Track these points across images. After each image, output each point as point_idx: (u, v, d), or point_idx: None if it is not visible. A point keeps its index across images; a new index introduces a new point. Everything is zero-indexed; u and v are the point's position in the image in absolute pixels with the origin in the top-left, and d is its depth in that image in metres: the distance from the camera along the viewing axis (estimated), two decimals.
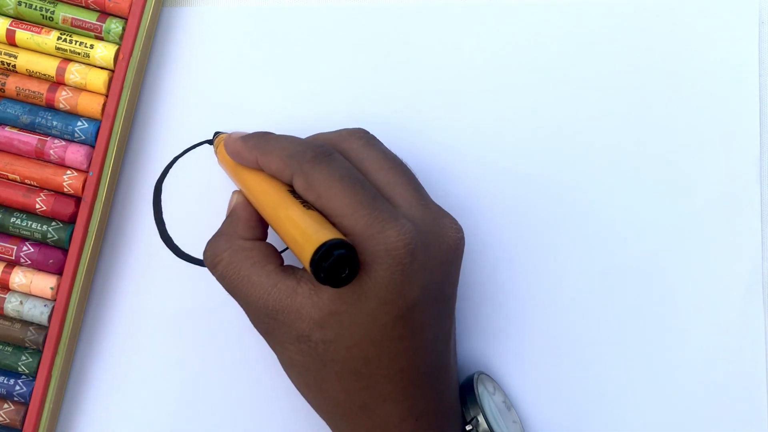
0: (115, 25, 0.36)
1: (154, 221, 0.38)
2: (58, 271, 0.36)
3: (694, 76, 0.38)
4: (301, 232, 0.28)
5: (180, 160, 0.38)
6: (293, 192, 0.30)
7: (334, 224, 0.28)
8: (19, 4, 0.36)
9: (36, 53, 0.37)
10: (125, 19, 0.37)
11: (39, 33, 0.36)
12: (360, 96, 0.38)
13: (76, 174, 0.36)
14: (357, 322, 0.28)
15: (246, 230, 0.32)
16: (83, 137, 0.36)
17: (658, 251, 0.37)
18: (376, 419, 0.30)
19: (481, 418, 0.32)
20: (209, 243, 0.32)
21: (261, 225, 0.32)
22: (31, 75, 0.37)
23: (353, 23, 0.39)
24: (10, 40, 0.37)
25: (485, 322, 0.37)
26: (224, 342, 0.37)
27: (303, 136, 0.38)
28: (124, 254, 0.38)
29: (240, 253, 0.31)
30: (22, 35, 0.36)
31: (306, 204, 0.29)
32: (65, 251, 0.36)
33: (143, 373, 0.37)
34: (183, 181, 0.38)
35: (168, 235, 0.38)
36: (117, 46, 0.37)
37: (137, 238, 0.38)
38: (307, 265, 0.26)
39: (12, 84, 0.36)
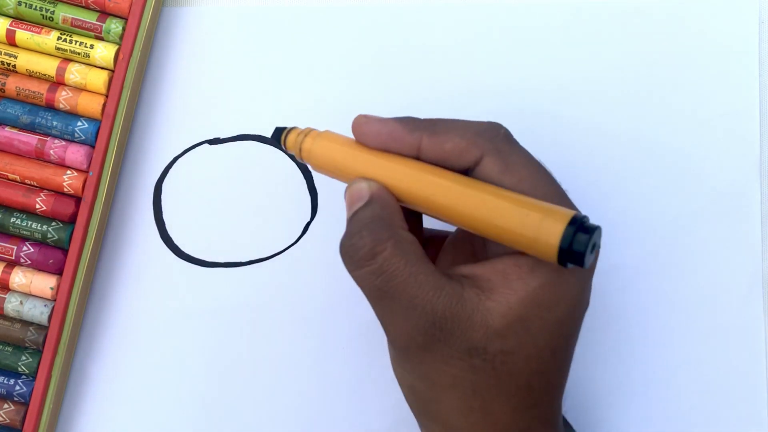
0: (115, 25, 0.36)
1: (154, 221, 0.38)
2: (58, 271, 0.36)
3: (694, 75, 0.38)
4: (525, 213, 0.23)
5: (180, 160, 0.38)
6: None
7: None
8: (19, 4, 0.36)
9: (36, 53, 0.37)
10: (125, 19, 0.37)
11: (39, 33, 0.36)
12: (360, 96, 0.38)
13: (76, 174, 0.36)
14: (547, 328, 0.24)
15: (402, 221, 0.26)
16: (83, 137, 0.36)
17: (658, 251, 0.37)
18: None
19: None
20: (360, 228, 0.25)
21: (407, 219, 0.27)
22: (31, 75, 0.37)
23: (353, 23, 0.39)
24: (10, 40, 0.37)
25: None
26: (224, 342, 0.37)
27: None
28: (124, 254, 0.38)
29: (404, 245, 0.25)
30: (22, 35, 0.36)
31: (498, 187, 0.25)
32: (65, 251, 0.36)
33: (143, 373, 0.37)
34: (183, 181, 0.38)
35: (168, 235, 0.38)
36: (117, 46, 0.37)
37: (137, 238, 0.38)
38: (553, 247, 0.22)
39: (12, 84, 0.36)
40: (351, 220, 0.26)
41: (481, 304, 0.24)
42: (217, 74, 0.39)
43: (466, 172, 0.26)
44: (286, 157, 0.38)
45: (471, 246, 0.29)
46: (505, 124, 0.37)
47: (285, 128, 0.30)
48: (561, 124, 0.38)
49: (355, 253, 0.25)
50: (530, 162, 0.26)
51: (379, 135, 0.27)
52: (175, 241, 0.38)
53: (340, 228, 0.37)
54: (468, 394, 0.25)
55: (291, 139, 0.29)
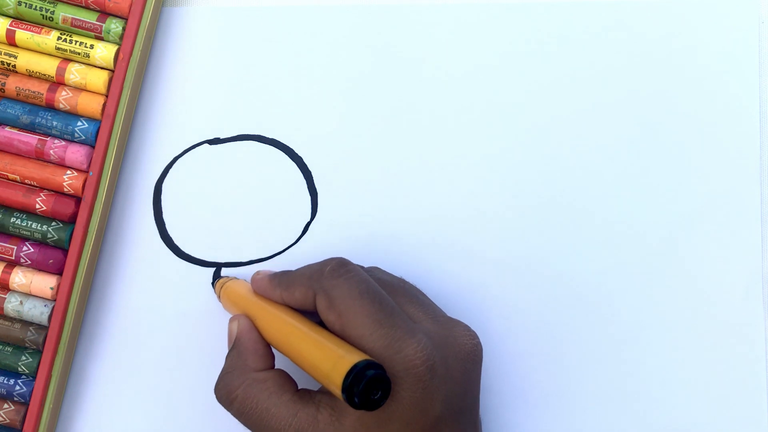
0: (115, 25, 0.36)
1: (154, 221, 0.38)
2: (58, 271, 0.36)
3: (694, 75, 0.38)
4: (326, 357, 0.27)
5: (180, 160, 0.38)
6: (310, 321, 0.30)
7: (354, 345, 0.28)
8: (19, 4, 0.36)
9: (36, 53, 0.37)
10: (125, 19, 0.37)
11: (39, 33, 0.36)
12: (359, 95, 0.38)
13: (76, 174, 0.36)
14: None
15: (256, 361, 0.31)
16: (83, 137, 0.36)
17: (658, 251, 0.37)
18: None
19: None
20: (220, 380, 0.31)
21: (269, 352, 0.31)
22: (31, 75, 0.37)
23: (353, 23, 0.39)
24: (10, 40, 0.37)
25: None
26: (224, 342, 0.37)
27: (303, 135, 0.38)
28: (124, 254, 0.38)
29: (254, 386, 0.30)
30: (22, 35, 0.36)
31: (325, 330, 0.29)
32: (65, 251, 0.36)
33: (143, 373, 0.37)
34: (183, 181, 0.38)
35: (168, 235, 0.38)
36: (117, 46, 0.37)
37: (137, 238, 0.38)
38: (337, 391, 0.26)
39: (12, 84, 0.36)
40: (223, 366, 0.32)
41: (331, 425, 0.28)
42: (217, 74, 0.39)
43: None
44: (287, 157, 0.38)
45: None
46: (504, 124, 0.38)
47: (218, 278, 0.37)
48: (561, 123, 0.38)
49: (219, 400, 0.31)
50: (350, 293, 0.29)
51: (258, 288, 0.33)
52: (175, 241, 0.38)
53: (340, 228, 0.37)
54: None
55: (216, 286, 0.37)
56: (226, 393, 0.30)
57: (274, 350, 0.32)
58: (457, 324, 0.31)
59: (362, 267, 0.32)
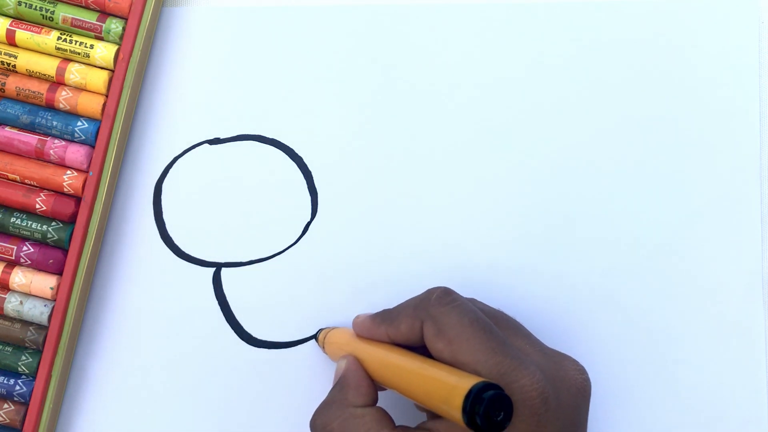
0: (115, 25, 0.36)
1: (154, 221, 0.38)
2: (58, 271, 0.36)
3: (695, 76, 0.38)
4: (442, 383, 0.26)
5: (180, 160, 0.38)
6: (417, 354, 0.30)
7: (467, 372, 0.27)
8: (19, 4, 0.36)
9: (36, 53, 0.37)
10: (125, 19, 0.37)
11: (39, 33, 0.36)
12: (359, 96, 0.38)
13: (76, 174, 0.36)
14: None
15: (357, 397, 0.30)
16: (83, 137, 0.36)
17: (658, 251, 0.37)
18: None
19: None
20: (318, 412, 0.31)
21: (372, 390, 0.31)
22: (31, 75, 0.37)
23: (353, 23, 0.39)
24: (10, 40, 0.37)
25: None
26: (224, 342, 0.37)
27: (303, 135, 0.38)
28: (124, 254, 0.38)
29: (352, 420, 0.29)
30: (22, 35, 0.36)
31: (434, 360, 0.29)
32: (65, 251, 0.36)
33: (143, 373, 0.37)
34: (183, 181, 0.38)
35: (168, 235, 0.38)
36: (117, 46, 0.37)
37: (137, 238, 0.38)
38: (457, 414, 0.25)
39: (12, 84, 0.36)
40: (324, 399, 0.32)
41: None
42: (217, 74, 0.39)
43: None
44: (287, 156, 0.38)
45: None
46: (504, 123, 0.38)
47: (320, 330, 0.37)
48: (560, 123, 0.38)
49: (314, 431, 0.31)
50: (461, 321, 0.28)
51: (362, 329, 0.33)
52: (175, 241, 0.38)
53: (339, 228, 0.37)
54: None
55: (319, 338, 0.36)
56: (322, 425, 0.30)
57: (380, 393, 0.32)
58: (566, 358, 0.30)
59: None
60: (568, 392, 0.29)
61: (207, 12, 0.39)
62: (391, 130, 0.38)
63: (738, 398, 0.36)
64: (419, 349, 0.30)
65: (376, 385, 0.31)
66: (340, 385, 0.31)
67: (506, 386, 0.27)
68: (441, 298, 0.30)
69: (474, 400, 0.24)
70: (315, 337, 0.37)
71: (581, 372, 0.30)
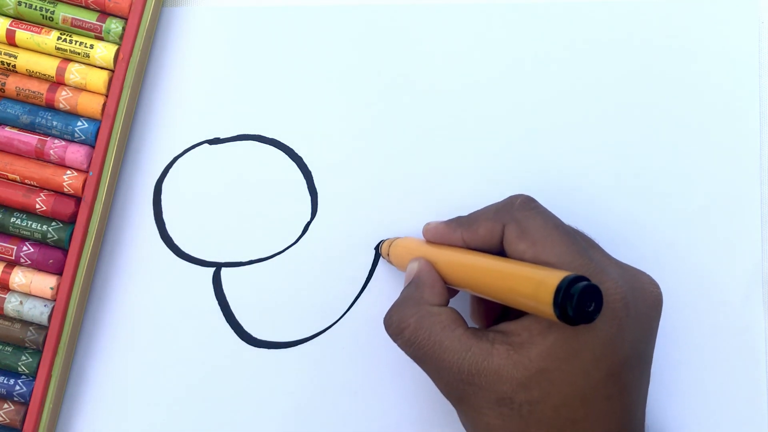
0: (115, 25, 0.36)
1: (154, 221, 0.38)
2: (58, 271, 0.36)
3: (695, 75, 0.38)
4: (528, 279, 0.26)
5: (180, 160, 0.38)
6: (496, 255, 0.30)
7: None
8: (19, 4, 0.36)
9: (36, 53, 0.37)
10: (125, 19, 0.37)
11: (39, 33, 0.36)
12: (360, 95, 0.38)
13: (76, 174, 0.36)
14: (568, 379, 0.27)
15: (432, 296, 0.30)
16: (83, 137, 0.36)
17: (658, 251, 0.37)
18: None
19: None
20: (394, 308, 0.31)
21: (446, 291, 0.31)
22: (31, 75, 0.37)
23: (353, 22, 0.39)
24: (10, 40, 0.37)
25: None
26: (224, 342, 0.37)
27: (303, 135, 0.38)
28: (124, 254, 0.38)
29: (428, 318, 0.29)
30: (22, 35, 0.36)
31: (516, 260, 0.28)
32: (65, 251, 0.36)
33: (143, 373, 0.37)
34: (183, 181, 0.38)
35: (168, 235, 0.38)
36: (117, 46, 0.37)
37: (137, 238, 0.38)
38: (548, 309, 0.24)
39: (12, 84, 0.36)
40: (398, 297, 0.32)
41: (509, 358, 0.27)
42: (217, 74, 0.39)
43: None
44: (287, 156, 0.38)
45: None
46: (504, 123, 0.38)
47: (382, 241, 0.37)
48: (561, 124, 0.38)
49: (388, 328, 0.30)
50: (545, 224, 0.29)
51: (435, 234, 0.33)
52: (175, 241, 0.38)
53: (339, 228, 0.37)
54: None
55: (384, 247, 0.37)
56: (398, 321, 0.30)
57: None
58: (642, 273, 0.30)
59: None
60: (644, 303, 0.29)
61: (207, 12, 0.39)
62: (391, 130, 0.38)
63: (738, 398, 0.36)
64: (494, 254, 0.30)
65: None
66: (415, 284, 0.31)
67: None
68: (525, 203, 0.30)
69: (565, 294, 0.24)
70: (377, 249, 0.37)
71: (656, 286, 0.30)
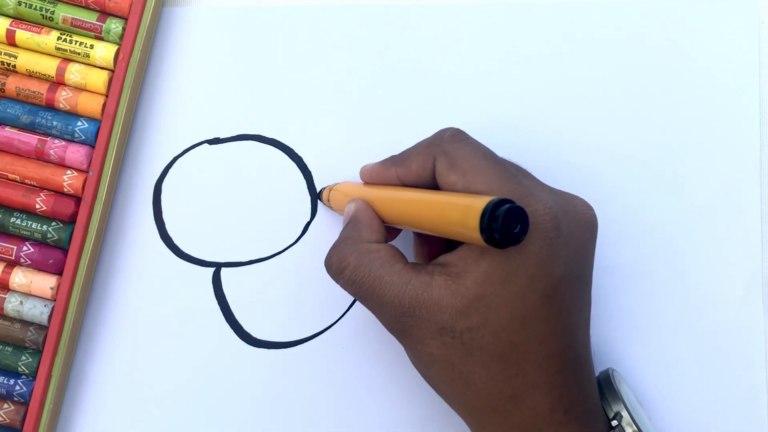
0: (115, 25, 0.36)
1: (154, 221, 0.38)
2: (58, 271, 0.36)
3: (694, 75, 0.38)
4: (455, 207, 0.26)
5: (180, 160, 0.38)
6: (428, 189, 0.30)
7: None
8: (19, 4, 0.36)
9: (36, 53, 0.37)
10: (125, 19, 0.37)
11: (39, 33, 0.36)
12: (360, 96, 0.38)
13: (76, 174, 0.36)
14: (505, 303, 0.27)
15: (370, 233, 0.31)
16: (83, 137, 0.36)
17: (658, 251, 0.37)
18: (525, 411, 0.28)
19: (625, 413, 0.31)
20: (333, 249, 0.31)
21: (383, 229, 0.32)
22: (31, 75, 0.37)
23: (353, 22, 0.39)
24: (10, 40, 0.37)
25: None
26: (224, 342, 0.37)
27: (303, 135, 0.38)
28: (124, 254, 0.38)
29: (367, 255, 0.30)
30: (22, 35, 0.36)
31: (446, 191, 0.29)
32: (65, 251, 0.36)
33: (143, 373, 0.37)
34: (183, 181, 0.38)
35: (168, 235, 0.38)
36: (117, 46, 0.37)
37: (137, 238, 0.38)
38: (475, 234, 0.25)
39: (12, 84, 0.36)
40: (337, 238, 0.32)
41: (447, 288, 0.27)
42: (217, 74, 0.39)
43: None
44: (287, 156, 0.38)
45: None
46: (504, 124, 0.38)
47: (323, 188, 0.37)
48: (561, 124, 0.38)
49: (329, 269, 0.31)
50: (474, 154, 0.29)
51: (371, 175, 0.33)
52: (175, 241, 0.38)
53: (339, 228, 0.37)
54: (446, 368, 0.28)
55: (324, 194, 0.37)
56: (338, 260, 0.30)
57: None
58: (575, 197, 0.31)
59: None
60: (577, 224, 0.29)
61: (207, 12, 0.39)
62: (391, 130, 0.38)
63: (738, 398, 0.36)
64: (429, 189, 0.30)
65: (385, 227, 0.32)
66: (352, 224, 0.32)
67: None
68: (454, 135, 0.30)
69: (490, 217, 0.24)
70: (318, 196, 0.37)
71: (589, 208, 0.30)
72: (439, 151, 0.30)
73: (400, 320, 0.28)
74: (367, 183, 0.34)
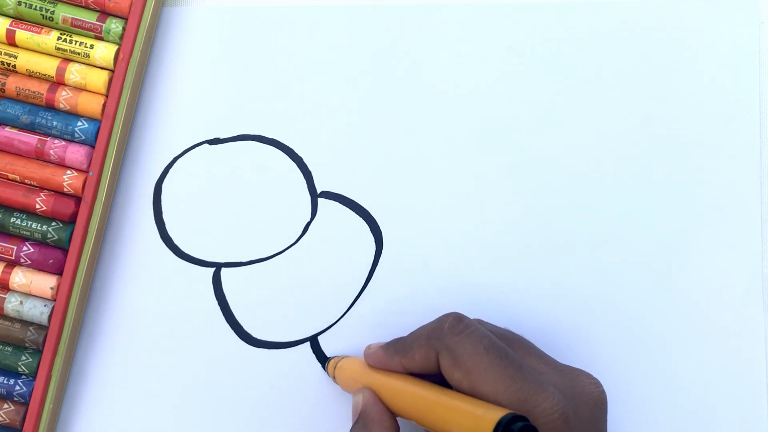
0: (115, 25, 0.36)
1: (154, 221, 0.38)
2: (58, 271, 0.36)
3: (694, 76, 0.38)
4: (466, 417, 0.27)
5: (180, 160, 0.38)
6: (435, 385, 0.30)
7: (488, 402, 0.28)
8: (19, 4, 0.36)
9: (36, 53, 0.37)
10: (125, 19, 0.37)
11: (39, 33, 0.36)
12: (360, 96, 0.38)
13: (76, 174, 0.36)
14: None
15: (384, 427, 0.31)
16: (83, 137, 0.36)
17: (658, 251, 0.37)
18: None
19: None
20: None
21: (395, 423, 0.31)
22: (31, 75, 0.37)
23: (352, 22, 0.39)
24: (10, 40, 0.37)
25: None
26: (224, 342, 0.37)
27: (303, 135, 0.38)
28: (124, 254, 0.38)
29: None
30: (22, 35, 0.36)
31: (453, 391, 0.29)
32: (65, 251, 0.36)
33: (143, 373, 0.37)
34: (183, 181, 0.38)
35: (168, 235, 0.38)
36: (117, 46, 0.37)
37: (137, 238, 0.38)
38: None
39: (12, 84, 0.36)
40: None
41: None
42: (217, 74, 0.39)
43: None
44: (287, 156, 0.38)
45: None
46: (504, 125, 0.38)
47: (329, 359, 0.37)
48: (561, 124, 0.38)
49: None
50: (476, 350, 0.29)
51: (375, 361, 0.33)
52: (175, 241, 0.38)
53: (339, 228, 0.37)
54: None
55: (329, 368, 0.36)
56: None
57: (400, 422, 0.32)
58: (580, 373, 0.31)
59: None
60: (586, 406, 0.29)
61: (207, 12, 0.39)
62: (391, 130, 0.38)
63: (738, 398, 0.36)
64: (435, 377, 0.30)
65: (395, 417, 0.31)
66: (362, 423, 0.31)
67: (528, 412, 0.27)
68: (454, 327, 0.30)
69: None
70: (323, 365, 0.37)
71: (596, 385, 0.30)
72: (441, 345, 0.29)
73: None
74: (375, 368, 0.33)
